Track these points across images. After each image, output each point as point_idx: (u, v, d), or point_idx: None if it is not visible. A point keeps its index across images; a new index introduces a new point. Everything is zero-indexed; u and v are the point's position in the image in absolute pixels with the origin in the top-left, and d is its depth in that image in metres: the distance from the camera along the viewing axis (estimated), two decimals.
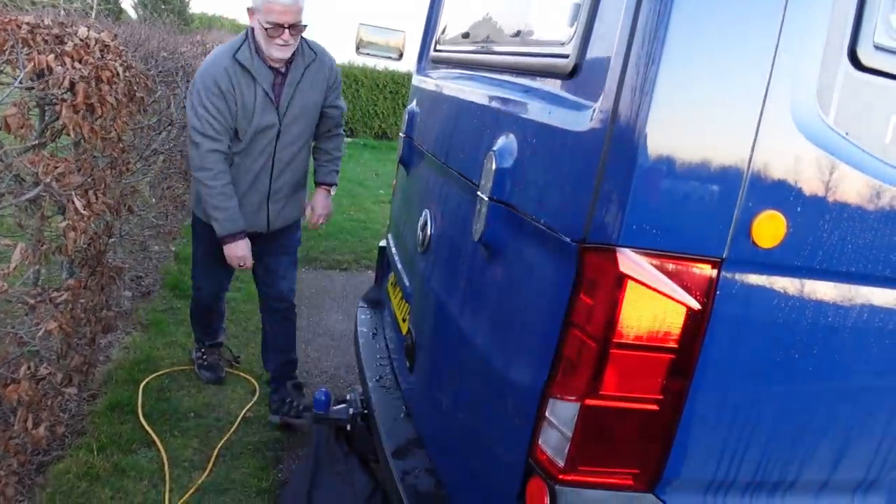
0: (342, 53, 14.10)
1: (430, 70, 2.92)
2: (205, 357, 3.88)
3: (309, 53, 3.10)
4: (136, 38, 3.97)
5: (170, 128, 4.66)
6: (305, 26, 2.93)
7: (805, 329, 1.41)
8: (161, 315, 4.49)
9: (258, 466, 3.10)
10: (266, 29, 2.83)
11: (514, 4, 2.27)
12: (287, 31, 2.85)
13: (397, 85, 13.80)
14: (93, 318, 3.07)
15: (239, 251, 3.14)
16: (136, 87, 2.76)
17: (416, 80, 3.05)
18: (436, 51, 2.91)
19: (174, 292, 4.86)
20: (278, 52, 2.90)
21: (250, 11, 2.90)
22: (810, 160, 1.31)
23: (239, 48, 2.96)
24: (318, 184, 3.43)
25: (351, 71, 13.62)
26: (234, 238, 3.10)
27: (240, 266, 3.20)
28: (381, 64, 14.13)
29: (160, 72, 4.17)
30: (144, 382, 3.61)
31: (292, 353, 3.61)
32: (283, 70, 3.03)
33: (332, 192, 3.45)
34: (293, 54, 3.01)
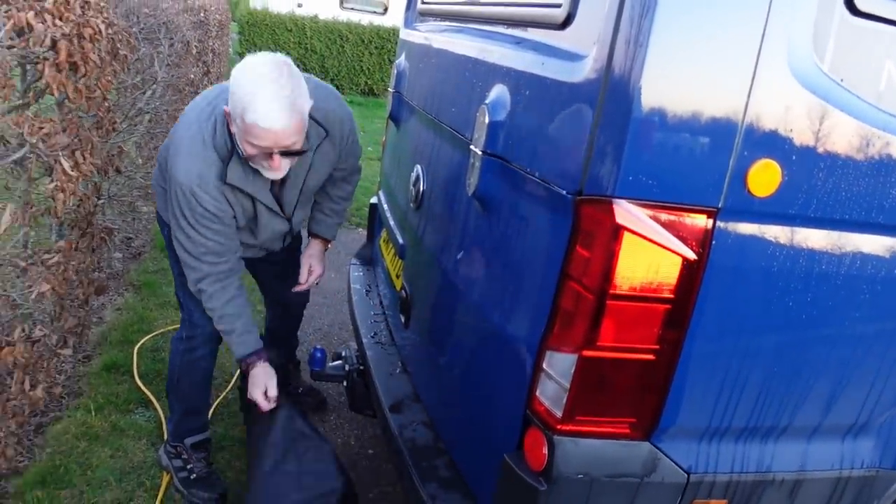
0: (326, 9, 13.85)
1: (418, 23, 2.86)
2: (190, 467, 2.65)
3: (317, 133, 2.23)
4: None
5: (154, 87, 4.58)
6: (304, 152, 2.12)
7: (799, 277, 1.42)
8: (152, 276, 4.48)
9: None
10: (248, 153, 2.00)
11: None
12: (277, 156, 1.99)
13: (383, 40, 13.55)
14: (85, 279, 3.06)
15: (257, 379, 2.34)
16: (119, 45, 2.69)
17: (404, 34, 2.99)
18: (423, 3, 2.85)
19: (165, 253, 4.84)
20: (268, 172, 2.07)
21: (228, 115, 2.02)
22: (806, 108, 1.31)
23: (227, 162, 2.12)
24: (313, 234, 2.73)
25: (336, 26, 13.37)
26: (249, 361, 2.35)
27: (264, 400, 2.36)
28: (365, 19, 13.86)
29: (142, 29, 4.08)
30: (139, 344, 3.62)
31: (294, 339, 3.30)
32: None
33: (330, 247, 2.82)
34: None
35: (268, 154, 1.97)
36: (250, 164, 2.05)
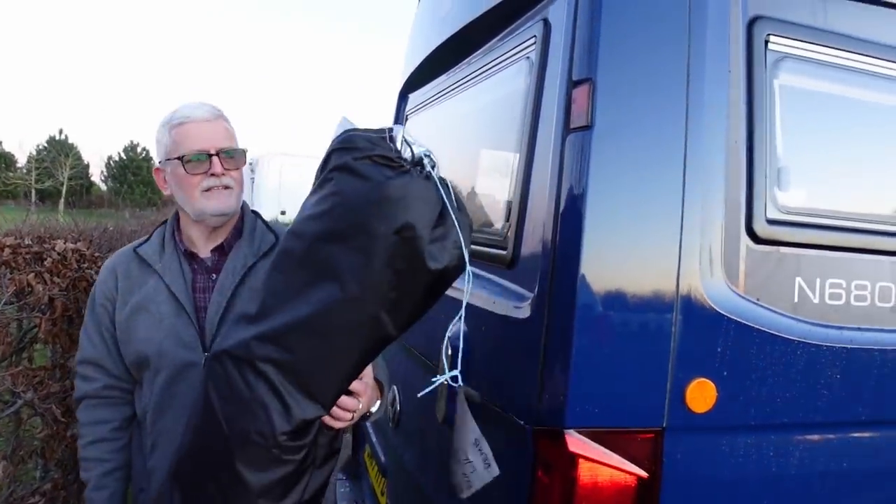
0: None
1: None
2: None
3: (265, 235, 1.89)
4: (108, 236, 4.15)
5: None
6: (245, 152, 1.84)
7: (755, 482, 1.51)
8: None
9: None
10: (185, 167, 1.74)
11: (465, 189, 2.49)
12: (217, 159, 1.74)
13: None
14: None
15: None
16: None
17: None
18: None
19: None
20: (214, 201, 1.75)
21: (157, 172, 1.86)
22: (727, 328, 1.47)
23: (147, 239, 1.90)
24: None
25: None
26: None
27: None
28: None
29: None
30: None
31: None
32: (211, 259, 1.83)
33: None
34: (231, 231, 1.85)
35: (204, 159, 1.73)
36: (190, 199, 1.75)
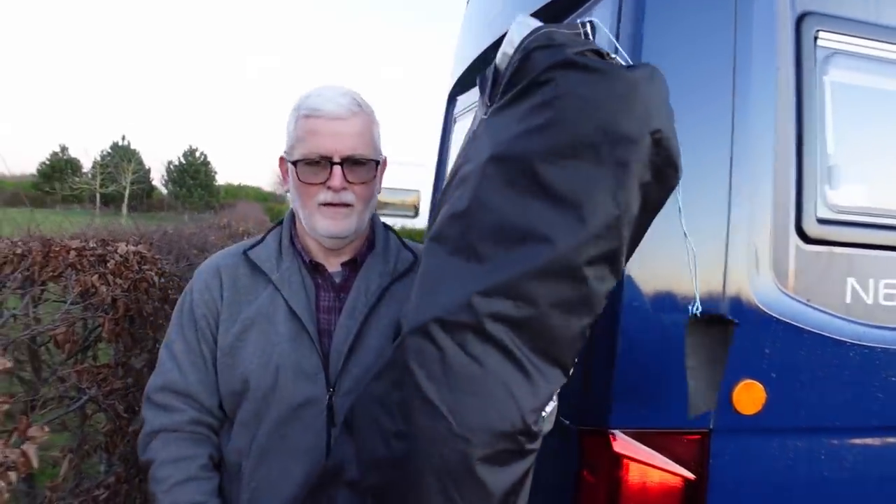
0: None
1: None
2: None
3: (400, 252, 1.59)
4: (168, 238, 4.30)
5: None
6: (378, 163, 1.48)
7: (802, 484, 1.50)
8: None
9: None
10: (298, 174, 1.44)
11: None
12: (339, 170, 1.41)
13: (415, 240, 14.24)
14: None
15: None
16: (170, 291, 3.00)
17: None
18: None
19: None
20: (328, 220, 1.43)
21: (282, 162, 1.52)
22: (776, 329, 1.45)
23: (260, 240, 1.55)
24: None
25: None
26: None
27: None
28: (398, 223, 14.67)
29: (189, 266, 4.48)
30: None
31: None
32: (339, 274, 1.52)
33: None
34: (364, 242, 1.55)
35: (324, 165, 1.41)
36: (308, 211, 1.45)
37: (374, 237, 1.56)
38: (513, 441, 1.10)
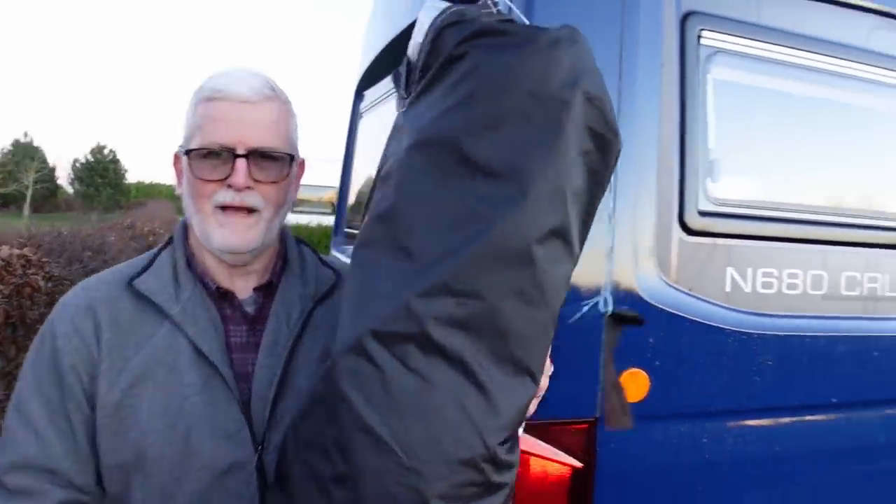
0: None
1: (346, 245, 3.07)
2: None
3: (318, 270, 1.33)
4: (62, 240, 4.08)
5: None
6: (293, 158, 1.23)
7: (685, 467, 1.54)
8: None
9: None
10: (192, 167, 1.17)
11: None
12: (243, 163, 1.15)
13: (329, 239, 14.13)
14: None
15: None
16: (58, 296, 2.85)
17: (333, 255, 3.20)
18: (348, 226, 3.07)
19: None
20: (225, 230, 1.16)
21: (176, 160, 1.23)
22: (660, 318, 1.49)
23: (147, 265, 1.22)
24: None
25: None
26: None
27: None
28: (313, 220, 14.45)
29: (85, 269, 4.27)
30: None
31: None
32: (251, 301, 1.25)
33: None
34: (276, 260, 1.29)
35: (225, 157, 1.14)
36: (203, 221, 1.17)
37: (287, 253, 1.30)
38: (475, 471, 0.93)
